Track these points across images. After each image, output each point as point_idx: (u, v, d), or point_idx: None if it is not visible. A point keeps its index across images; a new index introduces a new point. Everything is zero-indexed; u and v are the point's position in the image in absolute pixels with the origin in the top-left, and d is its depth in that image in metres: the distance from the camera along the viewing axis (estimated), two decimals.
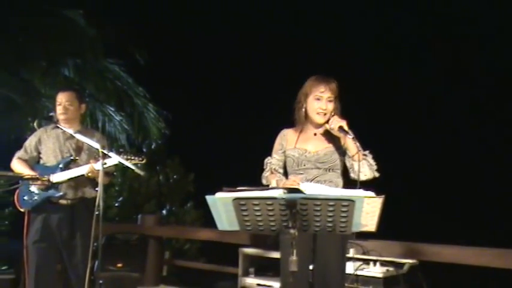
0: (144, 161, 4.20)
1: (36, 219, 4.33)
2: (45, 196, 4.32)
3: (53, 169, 4.34)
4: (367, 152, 3.34)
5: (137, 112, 9.23)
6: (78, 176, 4.28)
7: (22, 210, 4.37)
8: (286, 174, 3.54)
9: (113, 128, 9.06)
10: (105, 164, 4.05)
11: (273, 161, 3.54)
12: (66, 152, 4.39)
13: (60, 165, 4.33)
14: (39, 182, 4.27)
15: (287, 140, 3.52)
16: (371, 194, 2.62)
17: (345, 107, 3.46)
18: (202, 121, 12.79)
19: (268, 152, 3.62)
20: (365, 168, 3.27)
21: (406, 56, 11.89)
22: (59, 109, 4.39)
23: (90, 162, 4.20)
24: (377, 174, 3.33)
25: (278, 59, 12.34)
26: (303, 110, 3.45)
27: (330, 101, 3.41)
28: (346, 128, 3.26)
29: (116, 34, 8.61)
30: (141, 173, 4.30)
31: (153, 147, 10.13)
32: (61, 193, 4.30)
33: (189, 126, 12.08)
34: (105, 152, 4.04)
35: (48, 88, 8.47)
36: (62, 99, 4.41)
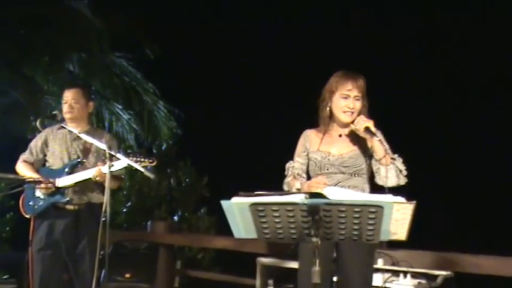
0: (154, 163, 4.22)
1: (41, 225, 4.38)
2: (50, 201, 4.36)
3: (59, 172, 4.38)
4: (396, 156, 3.33)
5: (147, 110, 9.28)
6: (84, 180, 4.31)
7: (27, 216, 4.41)
8: (309, 179, 3.53)
9: (121, 128, 9.12)
10: (113, 166, 4.07)
11: (296, 165, 3.55)
12: (74, 154, 4.42)
13: (66, 169, 4.37)
14: (43, 186, 4.31)
15: (311, 142, 3.53)
16: (401, 199, 2.60)
17: (372, 106, 3.45)
18: (217, 120, 12.81)
19: (289, 154, 3.62)
20: (391, 173, 3.26)
21: (447, 54, 11.84)
22: (65, 107, 4.43)
23: (98, 165, 4.23)
24: (402, 182, 3.31)
25: (300, 57, 12.33)
26: (328, 108, 3.45)
27: (357, 99, 3.41)
28: (372, 128, 3.26)
29: (124, 26, 8.66)
30: (151, 176, 4.31)
31: (163, 148, 10.16)
32: (67, 198, 4.34)
33: (203, 125, 12.09)
34: (113, 153, 4.05)
35: (51, 85, 8.55)
36: (68, 96, 4.44)
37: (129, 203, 9.75)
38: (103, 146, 4.15)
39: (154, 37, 9.18)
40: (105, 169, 4.12)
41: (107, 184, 3.95)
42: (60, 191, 4.34)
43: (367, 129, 3.27)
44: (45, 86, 8.64)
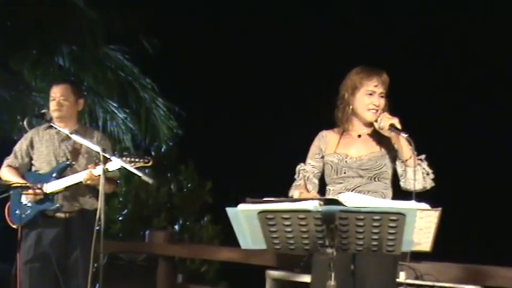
0: (150, 164, 4.23)
1: (29, 235, 4.38)
2: (38, 209, 4.36)
3: (47, 177, 4.38)
4: (422, 157, 3.32)
5: (144, 108, 9.29)
6: (75, 184, 4.31)
7: (14, 226, 4.41)
8: (324, 184, 3.54)
9: (116, 127, 9.14)
10: (106, 169, 4.07)
11: (307, 168, 3.54)
12: (62, 156, 4.42)
13: (54, 173, 4.37)
14: (30, 193, 4.31)
15: (327, 143, 3.53)
16: (425, 206, 2.59)
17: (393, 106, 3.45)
18: (221, 119, 12.82)
19: (302, 156, 3.62)
20: (419, 175, 3.26)
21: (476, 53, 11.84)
22: (52, 105, 4.43)
23: (89, 167, 4.23)
24: (429, 186, 3.31)
25: (310, 55, 12.35)
26: (350, 107, 3.44)
27: (382, 96, 3.42)
28: (398, 125, 3.25)
29: (120, 16, 8.68)
30: (150, 180, 4.32)
31: (163, 150, 10.17)
32: (57, 205, 4.34)
33: (206, 125, 12.11)
34: (107, 155, 4.06)
35: (39, 80, 8.57)
36: (56, 93, 4.45)
37: (125, 211, 9.76)
38: (96, 147, 4.16)
39: (152, 28, 9.19)
40: (97, 171, 4.13)
41: (101, 189, 3.95)
42: (48, 197, 4.35)
43: (392, 126, 3.26)
44: (32, 82, 8.67)
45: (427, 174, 3.30)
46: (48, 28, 8.44)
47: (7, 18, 8.29)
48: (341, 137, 3.50)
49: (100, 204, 3.93)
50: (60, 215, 4.38)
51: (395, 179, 3.42)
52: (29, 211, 4.37)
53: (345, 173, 3.42)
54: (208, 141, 12.02)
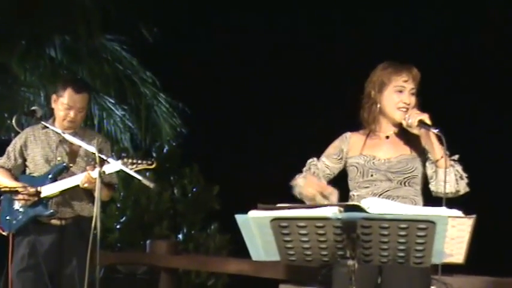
0: (153, 166, 4.24)
1: (22, 243, 4.41)
2: (31, 214, 4.38)
3: (42, 180, 4.40)
4: (455, 157, 3.32)
5: (144, 105, 9.32)
6: (71, 188, 4.33)
7: (5, 233, 4.44)
8: (342, 189, 3.52)
9: (113, 126, 9.17)
10: (103, 172, 4.09)
11: (319, 165, 3.54)
12: (58, 158, 4.44)
13: (50, 175, 4.39)
14: (22, 197, 4.33)
15: (350, 145, 3.53)
16: (458, 213, 2.59)
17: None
18: (229, 117, 12.82)
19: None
20: (451, 177, 3.25)
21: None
22: (67, 114, 4.42)
23: (87, 169, 4.25)
24: (463, 190, 3.30)
25: (324, 55, 12.37)
26: (378, 105, 3.43)
27: (413, 93, 3.41)
28: (428, 121, 3.24)
29: (117, 3, 8.70)
30: (151, 184, 4.33)
31: (165, 151, 10.21)
32: (51, 210, 4.36)
33: (213, 123, 12.12)
34: (104, 156, 4.07)
35: (29, 74, 8.60)
36: (76, 103, 4.43)
37: (123, 218, 9.80)
38: (90, 147, 4.18)
39: (152, 16, 9.22)
40: (95, 173, 4.14)
41: (97, 192, 3.96)
42: (42, 202, 4.37)
43: (421, 122, 3.25)
44: (21, 76, 8.70)
45: (461, 177, 3.29)
46: (39, 16, 8.47)
47: None
48: (367, 139, 3.49)
49: (96, 209, 3.94)
50: (55, 221, 4.41)
51: (426, 187, 3.41)
52: (20, 216, 4.40)
53: (372, 175, 3.41)
54: (216, 141, 12.03)
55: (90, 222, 4.13)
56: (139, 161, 4.24)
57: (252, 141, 12.83)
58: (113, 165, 4.18)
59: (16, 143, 4.57)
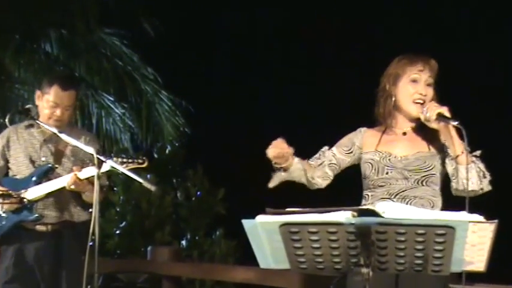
0: (145, 165, 4.23)
1: (7, 252, 4.40)
2: (15, 220, 4.35)
3: (26, 182, 4.37)
4: (477, 153, 3.31)
5: (145, 103, 9.33)
6: (57, 190, 4.31)
7: None
8: (354, 191, 3.53)
9: (112, 125, 9.18)
10: (101, 173, 4.08)
11: (327, 153, 3.56)
12: (43, 159, 4.41)
13: (34, 177, 4.36)
14: (6, 201, 4.30)
15: (363, 140, 3.53)
16: (479, 217, 2.58)
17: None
18: (236, 116, 12.83)
19: None
20: (472, 174, 3.23)
21: None
22: (53, 113, 4.38)
23: (74, 169, 4.23)
24: (487, 188, 3.29)
25: (339, 44, 12.37)
26: (393, 99, 3.43)
27: (429, 84, 3.39)
28: (447, 114, 3.23)
29: None
30: (152, 188, 4.33)
31: (167, 151, 10.20)
32: (36, 215, 4.33)
33: (218, 122, 12.13)
34: (101, 157, 4.07)
35: (23, 70, 8.62)
36: (63, 100, 4.41)
37: (123, 223, 9.80)
38: (88, 148, 4.17)
39: (154, 8, 9.22)
40: (83, 174, 4.14)
41: (95, 196, 3.96)
42: (27, 206, 4.33)
43: (440, 115, 3.24)
44: (15, 72, 8.72)
45: (484, 175, 3.28)
46: (34, 9, 8.49)
47: None
48: (383, 135, 3.49)
49: (94, 214, 3.94)
50: (41, 227, 4.37)
51: (445, 187, 3.40)
52: (4, 222, 4.37)
53: (387, 173, 3.41)
54: (221, 141, 12.03)
55: (82, 228, 4.16)
56: (129, 160, 4.22)
57: (260, 141, 12.81)
58: (105, 164, 4.16)
59: None
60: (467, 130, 3.17)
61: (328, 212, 2.64)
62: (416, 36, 11.46)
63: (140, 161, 4.25)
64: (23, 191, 4.35)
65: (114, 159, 4.17)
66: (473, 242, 2.60)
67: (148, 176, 9.12)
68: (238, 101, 12.68)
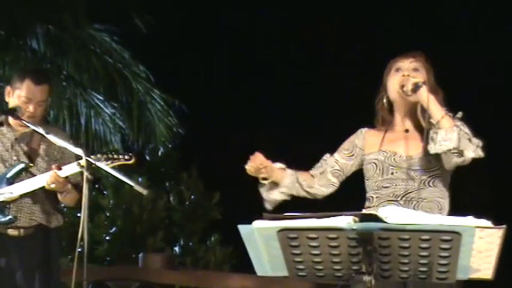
0: (132, 162, 4.21)
1: None
2: None
3: None
4: (459, 115, 3.33)
5: (137, 102, 9.32)
6: (34, 191, 4.27)
7: None
8: (364, 190, 3.55)
9: (102, 126, 9.18)
10: (72, 171, 4.08)
11: (329, 160, 3.60)
12: (15, 159, 4.37)
13: (7, 176, 4.31)
14: None
15: (365, 141, 3.57)
16: (486, 222, 2.59)
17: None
18: (232, 116, 12.83)
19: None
20: (453, 135, 3.23)
21: None
22: (26, 108, 4.33)
23: (53, 167, 4.19)
24: (473, 153, 3.27)
25: (346, 41, 12.39)
26: (385, 100, 3.52)
27: (415, 69, 3.47)
28: (421, 83, 3.29)
29: None
30: (144, 191, 4.32)
31: (160, 153, 10.21)
32: (9, 217, 4.27)
33: (213, 123, 12.12)
34: (90, 159, 4.05)
35: (8, 68, 8.61)
36: (36, 95, 4.39)
37: (113, 229, 9.81)
38: (76, 149, 4.16)
39: (146, 4, 9.23)
40: (63, 172, 4.12)
41: (84, 200, 3.94)
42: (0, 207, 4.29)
43: (415, 85, 3.32)
44: (0, 70, 8.72)
45: (469, 140, 3.28)
46: (20, 4, 8.49)
47: None
48: (385, 134, 3.53)
49: (83, 217, 3.92)
50: (13, 231, 4.30)
51: (452, 188, 3.43)
52: None
53: (392, 173, 3.44)
54: (216, 142, 12.02)
55: (55, 234, 4.19)
56: (115, 156, 4.21)
57: (257, 143, 12.81)
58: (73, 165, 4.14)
59: None
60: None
61: (329, 217, 2.64)
62: (416, 36, 11.49)
63: (127, 157, 4.22)
64: None
65: (99, 155, 4.16)
66: (481, 248, 2.61)
67: (140, 179, 9.13)
68: (234, 100, 12.67)
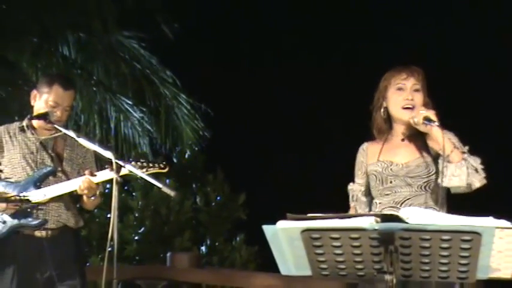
0: (166, 170, 4.21)
1: (3, 262, 4.24)
2: (14, 224, 4.23)
3: (25, 185, 4.29)
4: (465, 149, 3.41)
5: (164, 106, 9.34)
6: (65, 194, 4.26)
7: None
8: (371, 199, 3.65)
9: (131, 129, 9.20)
10: (106, 177, 4.09)
11: (354, 187, 3.70)
12: (40, 163, 4.36)
13: (35, 180, 4.28)
14: (12, 205, 4.24)
15: (367, 155, 3.67)
16: (506, 223, 2.58)
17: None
18: (257, 120, 12.83)
19: (348, 165, 3.76)
20: (462, 170, 3.31)
21: None
22: (53, 113, 4.34)
23: (85, 172, 4.19)
24: (478, 183, 3.34)
25: (364, 57, 12.37)
26: (382, 110, 3.60)
27: (417, 90, 3.54)
28: (433, 117, 3.34)
29: None
30: (171, 193, 4.31)
31: (187, 156, 10.23)
32: (39, 220, 4.26)
33: (238, 126, 12.13)
34: (120, 162, 4.05)
35: (40, 74, 8.65)
36: (64, 100, 4.37)
37: (142, 229, 9.84)
38: (106, 152, 4.15)
39: (173, 10, 9.25)
40: (98, 178, 4.12)
41: (113, 202, 3.94)
42: (27, 210, 4.28)
43: (426, 119, 3.35)
44: (33, 76, 8.77)
45: (476, 170, 3.34)
46: (51, 11, 8.54)
47: (1, 0, 8.41)
48: (383, 145, 3.62)
49: (113, 219, 3.92)
50: (40, 233, 4.26)
51: (449, 193, 3.46)
52: (2, 226, 4.28)
53: (391, 182, 3.53)
54: (241, 145, 12.03)
55: (77, 235, 4.22)
56: (150, 164, 4.21)
57: (281, 146, 12.81)
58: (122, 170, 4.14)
59: None
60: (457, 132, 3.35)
61: (351, 217, 2.64)
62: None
63: (162, 165, 4.24)
64: (23, 194, 4.30)
65: (133, 163, 4.16)
66: (500, 248, 2.60)
67: (168, 181, 9.16)
68: (259, 104, 12.67)
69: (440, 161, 3.42)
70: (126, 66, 9.23)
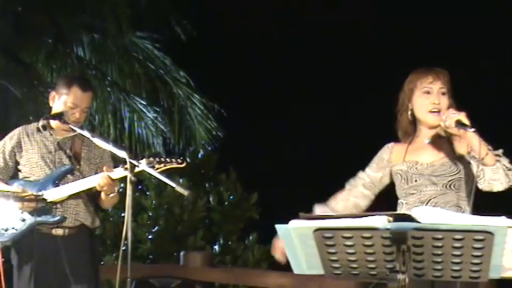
0: (183, 165, 4.21)
1: (21, 260, 4.27)
2: (32, 222, 4.24)
3: (43, 184, 4.30)
4: (500, 152, 3.38)
5: (177, 106, 9.36)
6: (83, 191, 4.25)
7: None
8: (396, 199, 3.60)
9: (145, 129, 9.22)
10: (123, 173, 4.09)
11: (361, 175, 3.72)
12: (58, 162, 4.37)
13: (54, 178, 4.29)
14: (25, 203, 4.24)
15: (391, 154, 3.68)
16: None
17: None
18: (269, 120, 12.83)
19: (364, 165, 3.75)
20: (499, 174, 3.31)
21: None
22: (72, 114, 4.34)
23: (104, 169, 4.20)
24: (511, 183, 3.35)
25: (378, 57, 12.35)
26: (409, 112, 3.60)
27: (443, 93, 3.53)
28: (465, 120, 3.30)
29: None
30: (185, 192, 4.31)
31: (200, 156, 10.24)
32: (58, 217, 4.25)
33: (251, 126, 12.13)
34: (133, 161, 4.04)
35: (55, 74, 8.69)
36: (83, 101, 4.38)
37: (155, 228, 9.86)
38: (120, 152, 4.16)
39: (186, 11, 9.26)
40: (115, 174, 4.12)
41: (127, 201, 3.94)
42: (46, 207, 4.28)
43: (458, 122, 3.32)
44: (48, 76, 8.80)
45: (509, 170, 3.35)
46: (66, 13, 8.57)
47: (18, 2, 8.44)
48: (409, 146, 3.63)
49: (127, 218, 3.92)
50: (58, 231, 4.28)
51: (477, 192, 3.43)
52: (19, 226, 4.21)
53: (416, 181, 3.53)
54: (254, 145, 12.04)
55: (94, 233, 4.25)
56: (167, 160, 4.21)
57: (294, 146, 12.80)
58: (141, 166, 4.13)
59: (5, 144, 4.41)
60: (485, 133, 3.28)
61: (363, 216, 2.63)
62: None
63: (179, 160, 4.24)
64: (42, 192, 4.31)
65: (151, 159, 4.16)
66: None
67: (181, 180, 9.17)
68: (271, 104, 12.68)
69: (473, 163, 3.43)
70: (140, 66, 9.26)
